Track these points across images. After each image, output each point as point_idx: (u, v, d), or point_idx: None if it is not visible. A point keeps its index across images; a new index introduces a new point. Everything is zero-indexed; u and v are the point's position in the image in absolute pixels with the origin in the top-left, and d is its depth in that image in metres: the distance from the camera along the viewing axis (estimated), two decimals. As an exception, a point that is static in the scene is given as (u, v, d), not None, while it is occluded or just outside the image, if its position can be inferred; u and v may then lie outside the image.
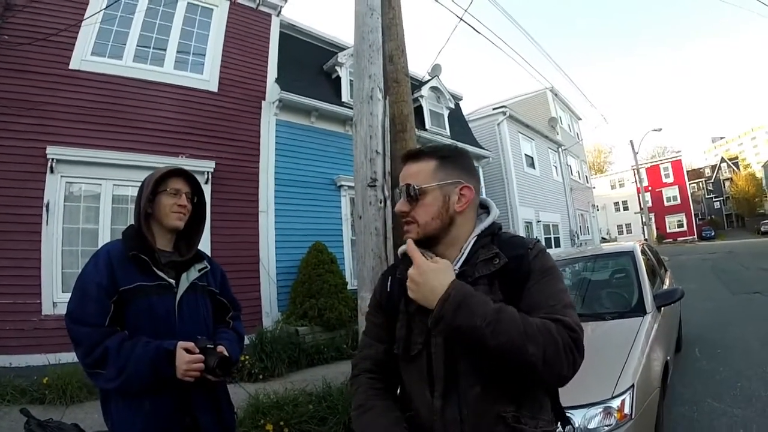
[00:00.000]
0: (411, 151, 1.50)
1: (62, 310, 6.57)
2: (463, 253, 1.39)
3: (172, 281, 2.00)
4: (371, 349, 1.51)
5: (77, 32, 7.66)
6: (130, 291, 1.88)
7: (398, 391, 1.47)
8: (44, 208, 6.89)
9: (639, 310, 4.22)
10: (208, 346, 1.90)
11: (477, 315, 1.13)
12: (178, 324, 1.95)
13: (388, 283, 1.51)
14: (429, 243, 1.41)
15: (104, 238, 7.18)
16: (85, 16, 7.69)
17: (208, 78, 9.06)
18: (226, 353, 1.95)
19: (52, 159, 7.03)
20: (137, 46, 8.35)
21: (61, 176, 7.17)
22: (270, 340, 7.40)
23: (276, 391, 5.08)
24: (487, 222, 1.45)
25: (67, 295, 6.45)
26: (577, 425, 2.75)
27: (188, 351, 1.84)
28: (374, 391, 1.43)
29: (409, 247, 1.29)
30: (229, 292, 2.33)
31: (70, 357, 5.98)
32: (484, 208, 1.53)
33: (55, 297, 6.71)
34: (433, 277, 1.20)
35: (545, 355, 1.13)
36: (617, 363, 3.13)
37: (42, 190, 6.96)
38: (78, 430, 3.62)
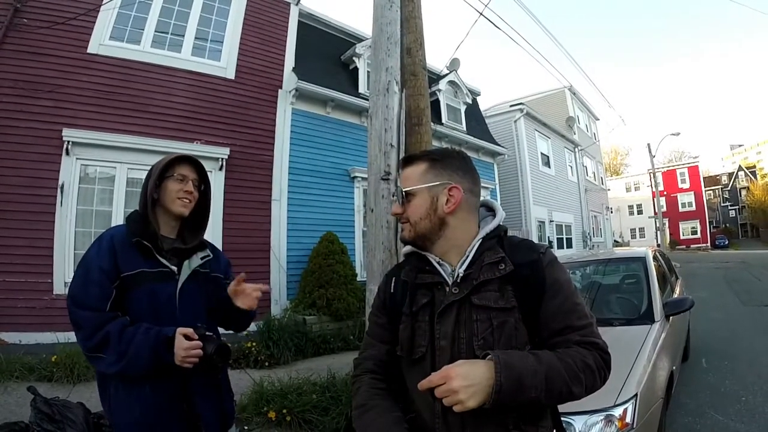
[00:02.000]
0: (405, 156, 1.54)
1: (73, 290, 6.75)
2: (467, 256, 1.39)
3: (174, 268, 2.00)
4: (374, 350, 1.51)
5: (96, 17, 7.71)
6: (132, 277, 1.89)
7: (403, 391, 1.46)
8: (59, 190, 6.99)
9: (647, 317, 4.17)
10: (207, 333, 1.91)
11: (531, 388, 1.16)
12: (179, 311, 1.96)
13: (392, 284, 1.51)
14: (423, 243, 1.44)
15: (117, 220, 7.26)
16: (104, 1, 7.73)
17: (225, 65, 9.08)
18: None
19: (68, 141, 7.12)
20: (155, 31, 8.38)
21: (77, 158, 7.25)
22: (277, 328, 7.47)
23: (280, 378, 5.11)
24: (492, 224, 1.45)
25: (79, 276, 6.38)
26: (577, 431, 2.74)
27: (187, 337, 1.84)
28: (376, 390, 1.42)
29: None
30: (233, 280, 2.34)
31: (79, 336, 6.11)
32: (491, 210, 1.53)
33: (66, 277, 6.78)
34: (472, 370, 1.16)
35: (587, 388, 1.25)
36: (622, 371, 3.08)
37: (57, 172, 7.05)
38: (83, 409, 3.68)
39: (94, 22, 7.71)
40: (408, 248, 1.52)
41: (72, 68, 7.41)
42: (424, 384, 1.17)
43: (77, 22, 7.38)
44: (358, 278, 9.13)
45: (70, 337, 5.88)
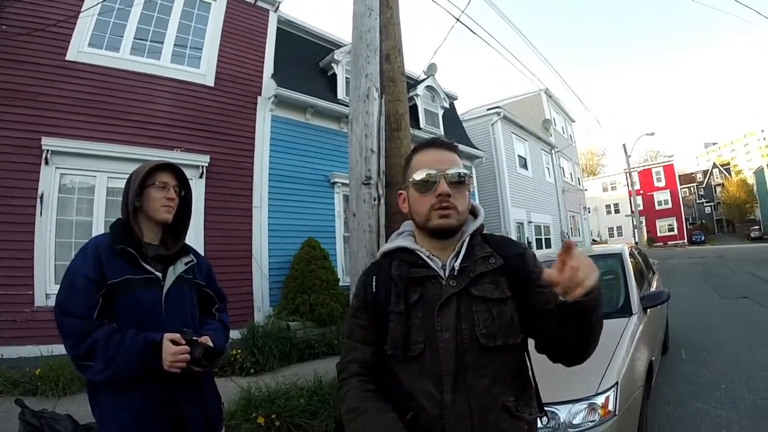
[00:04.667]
0: (445, 140, 1.51)
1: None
2: (460, 251, 1.43)
3: (159, 274, 2.01)
4: (357, 353, 1.48)
5: (75, 23, 7.61)
6: (118, 284, 1.89)
7: (393, 390, 1.43)
8: (38, 200, 6.85)
9: (625, 310, 4.30)
10: (193, 338, 1.93)
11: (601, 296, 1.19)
12: (165, 317, 1.97)
13: (373, 283, 1.50)
14: (450, 234, 1.43)
15: (98, 230, 7.14)
16: (83, 8, 7.64)
17: (204, 72, 9.05)
18: (210, 344, 1.97)
19: (47, 150, 6.99)
20: (134, 38, 8.31)
21: (56, 168, 7.13)
22: (261, 335, 7.44)
23: (267, 384, 5.09)
24: (477, 222, 1.50)
25: (60, 287, 6.16)
26: (562, 420, 2.83)
27: (174, 342, 1.87)
28: (366, 393, 1.40)
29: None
30: (215, 285, 2.35)
31: (62, 348, 5.90)
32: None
33: (47, 289, 6.67)
34: None
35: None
36: (602, 361, 3.18)
37: (36, 182, 6.91)
38: (71, 421, 3.66)
39: (73, 29, 7.60)
40: (390, 245, 1.54)
41: (51, 76, 7.29)
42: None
43: (56, 29, 7.27)
44: (341, 283, 9.15)
45: (53, 349, 5.81)
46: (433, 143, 1.50)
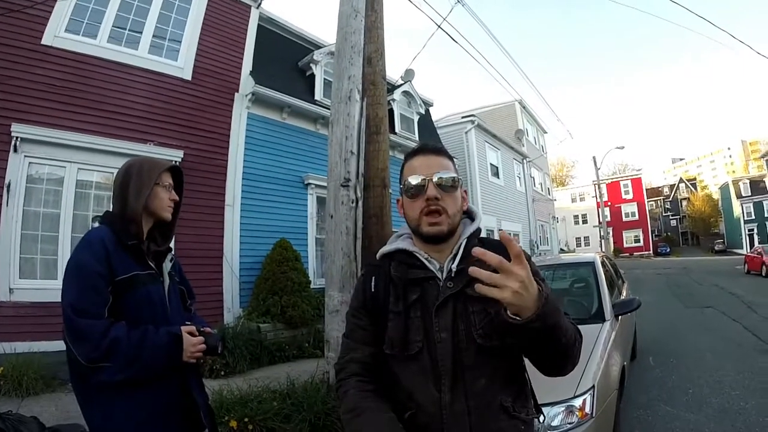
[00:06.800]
0: (434, 146, 1.54)
1: (19, 296, 6.30)
2: (457, 253, 1.43)
3: (156, 270, 2.03)
4: (356, 353, 1.48)
5: (53, 7, 7.31)
6: (127, 280, 1.86)
7: (391, 390, 1.43)
8: (5, 189, 6.53)
9: (598, 317, 4.42)
10: (202, 329, 2.00)
11: (562, 315, 1.22)
12: (170, 311, 2.00)
13: (372, 283, 1.51)
14: (445, 238, 1.44)
15: (65, 223, 6.97)
16: (62, -10, 7.37)
17: (182, 65, 8.85)
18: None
19: (17, 137, 6.67)
20: (113, 26, 8.04)
21: (25, 156, 6.79)
22: (232, 336, 7.32)
23: (239, 387, 4.99)
24: (475, 225, 1.52)
25: (25, 281, 6.05)
26: (541, 422, 2.87)
27: (191, 334, 1.94)
28: (365, 393, 1.40)
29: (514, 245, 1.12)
30: (186, 281, 2.37)
31: (25, 346, 5.79)
32: (465, 212, 1.57)
33: (11, 283, 6.37)
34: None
35: (576, 356, 1.33)
36: (579, 365, 3.21)
37: (4, 170, 6.58)
38: (38, 424, 3.55)
39: (51, 12, 7.29)
40: (389, 247, 1.54)
41: (25, 60, 6.96)
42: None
43: (33, 11, 6.99)
44: (312, 285, 9.10)
45: (17, 347, 5.63)
46: (422, 149, 1.52)
